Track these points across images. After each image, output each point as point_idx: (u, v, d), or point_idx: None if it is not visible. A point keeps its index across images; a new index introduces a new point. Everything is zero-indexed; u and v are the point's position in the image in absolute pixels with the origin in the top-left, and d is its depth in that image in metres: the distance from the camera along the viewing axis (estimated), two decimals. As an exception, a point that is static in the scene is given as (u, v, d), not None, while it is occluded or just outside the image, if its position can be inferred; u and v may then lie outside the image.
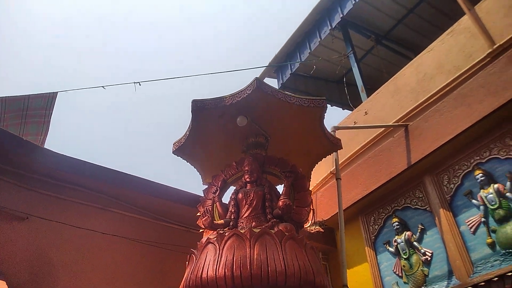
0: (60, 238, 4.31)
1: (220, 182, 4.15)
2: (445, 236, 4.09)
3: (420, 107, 4.81)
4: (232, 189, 4.20)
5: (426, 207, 4.42)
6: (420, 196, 4.53)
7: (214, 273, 3.01)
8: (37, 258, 4.09)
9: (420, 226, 4.39)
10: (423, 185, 4.53)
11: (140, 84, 6.41)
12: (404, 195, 4.71)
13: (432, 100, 4.70)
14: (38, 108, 5.92)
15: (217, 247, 3.19)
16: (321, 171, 5.74)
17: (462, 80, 4.41)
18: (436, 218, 4.25)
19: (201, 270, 3.10)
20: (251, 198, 3.81)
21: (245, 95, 3.87)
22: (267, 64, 8.30)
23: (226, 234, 3.27)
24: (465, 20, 4.69)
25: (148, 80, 6.60)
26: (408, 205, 4.61)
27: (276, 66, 8.25)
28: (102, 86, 6.36)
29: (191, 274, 3.18)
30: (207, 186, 4.30)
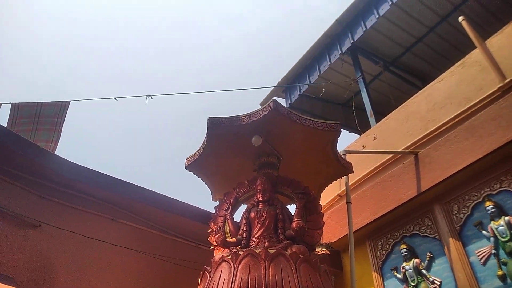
0: (71, 247, 4.31)
1: (232, 200, 4.18)
2: (454, 265, 4.10)
3: (430, 136, 4.88)
4: (243, 207, 4.22)
5: (435, 235, 4.44)
6: (429, 224, 4.55)
7: (230, 292, 3.01)
8: (47, 265, 4.08)
9: (428, 254, 4.40)
10: (432, 213, 4.56)
11: (152, 98, 6.51)
12: (413, 222, 4.73)
13: (442, 129, 4.77)
14: (50, 115, 5.98)
15: (232, 266, 3.19)
16: (328, 193, 5.76)
17: (473, 111, 4.49)
18: (445, 247, 4.27)
19: (215, 289, 3.10)
20: (264, 217, 3.83)
21: (261, 116, 3.93)
22: (275, 84, 8.43)
23: (241, 253, 3.28)
24: (476, 54, 4.80)
25: (159, 94, 6.71)
26: (417, 232, 4.63)
27: (285, 87, 8.37)
28: (115, 98, 6.44)
29: (205, 292, 3.17)
30: (218, 203, 4.32)
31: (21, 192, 4.21)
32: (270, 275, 3.06)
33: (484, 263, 3.89)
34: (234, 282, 3.06)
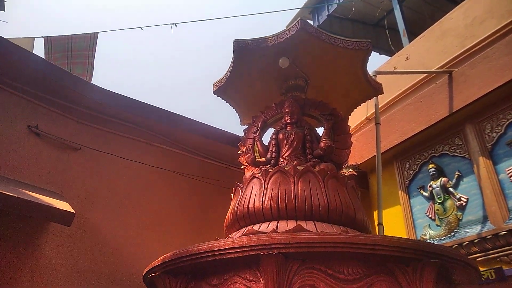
0: (110, 169, 4.61)
1: (260, 123, 4.24)
2: (482, 183, 4.13)
3: (467, 53, 4.64)
4: (271, 130, 4.29)
5: (465, 154, 4.42)
6: (459, 143, 4.52)
7: (261, 204, 3.19)
8: (89, 185, 4.41)
9: (457, 172, 4.43)
10: (463, 133, 4.50)
11: (176, 26, 6.42)
12: (443, 142, 4.70)
13: (480, 45, 4.51)
14: (81, 49, 6.10)
15: (263, 181, 3.34)
16: (356, 116, 5.74)
17: (515, 25, 4.19)
18: (475, 166, 4.27)
19: (247, 201, 3.28)
20: (292, 138, 3.90)
21: (288, 36, 3.82)
22: (302, 5, 8.03)
23: (271, 170, 3.40)
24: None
25: (184, 21, 6.59)
26: (446, 152, 4.62)
27: (313, 7, 7.97)
28: (140, 27, 6.41)
29: (238, 204, 3.37)
30: (247, 127, 4.40)
31: (61, 118, 4.44)
32: (299, 189, 3.19)
33: (514, 180, 3.90)
34: (265, 196, 3.23)
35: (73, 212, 3.58)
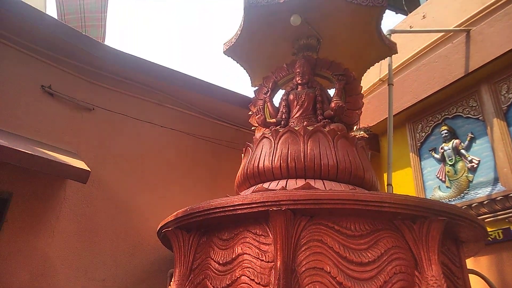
0: (122, 129, 4.69)
1: (271, 84, 4.22)
2: (495, 145, 4.09)
3: (487, 11, 4.45)
4: (281, 92, 4.26)
5: (478, 116, 4.35)
6: (474, 105, 4.43)
7: (271, 163, 3.23)
8: (103, 144, 4.51)
9: (470, 134, 4.38)
10: (478, 94, 4.41)
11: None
12: (457, 103, 4.62)
13: (500, 2, 4.32)
14: (94, 11, 6.03)
15: (272, 141, 3.37)
16: (369, 78, 5.65)
17: (540, -21, 3.98)
18: (488, 128, 4.21)
19: (257, 161, 3.33)
20: (303, 99, 3.88)
21: (300, -8, 3.71)
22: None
23: (281, 130, 3.42)
24: None
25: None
26: (460, 114, 4.55)
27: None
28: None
29: (248, 163, 3.42)
30: (257, 88, 4.38)
31: (73, 78, 4.48)
32: (308, 149, 3.21)
33: (528, 142, 3.84)
34: (275, 155, 3.26)
35: (88, 170, 3.69)
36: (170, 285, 2.92)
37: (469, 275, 3.14)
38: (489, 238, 3.84)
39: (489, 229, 3.87)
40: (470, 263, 3.73)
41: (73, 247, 3.98)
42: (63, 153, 3.92)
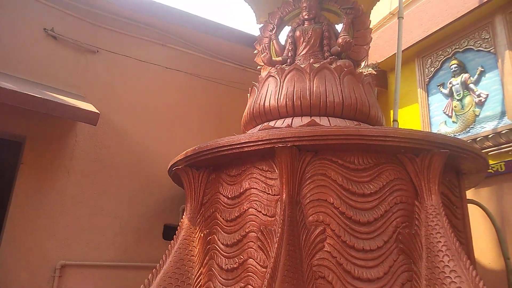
0: (127, 71, 4.68)
1: (276, 20, 4.10)
2: (505, 78, 4.02)
3: None
4: (288, 29, 4.15)
5: (490, 48, 4.23)
6: (486, 37, 4.29)
7: (276, 102, 3.26)
8: (109, 87, 4.54)
9: (479, 68, 4.29)
10: (492, 26, 4.25)
11: None
12: (468, 36, 4.48)
13: None
14: None
15: (278, 80, 3.36)
16: (379, 12, 5.44)
17: None
18: (499, 60, 4.11)
19: (263, 100, 3.35)
20: (309, 35, 3.79)
21: None
22: None
23: (287, 68, 3.40)
24: None
25: None
26: (471, 47, 4.42)
27: None
28: None
29: (254, 103, 3.45)
30: (263, 25, 4.27)
31: (76, 20, 4.40)
32: (314, 87, 3.21)
33: (539, 74, 3.77)
34: (280, 94, 3.28)
35: (97, 112, 3.76)
36: (182, 218, 3.10)
37: (469, 205, 3.27)
38: (491, 171, 3.92)
39: (492, 162, 3.95)
40: (471, 194, 3.86)
41: (88, 187, 4.17)
42: (71, 97, 3.98)
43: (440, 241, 2.33)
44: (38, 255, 3.77)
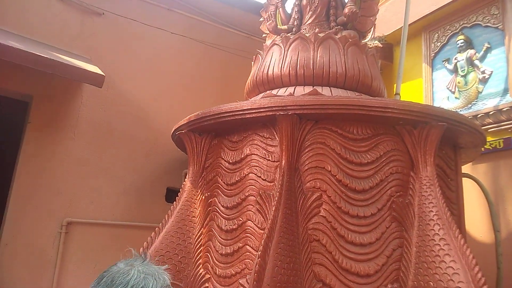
0: (132, 35, 4.66)
1: (283, -12, 4.05)
2: (510, 55, 4.00)
3: None
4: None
5: (498, 25, 4.18)
6: (496, 13, 4.24)
7: (280, 70, 3.28)
8: (116, 50, 4.54)
9: (486, 44, 4.25)
10: (502, 1, 4.18)
11: None
12: (477, 11, 4.41)
13: None
14: None
15: (282, 48, 3.37)
16: (389, -17, 5.34)
17: None
18: (507, 37, 4.08)
19: (267, 68, 3.38)
20: (316, 4, 3.76)
21: None
22: None
23: (291, 37, 3.40)
24: None
25: None
26: (479, 22, 4.37)
27: None
28: None
29: (257, 71, 3.48)
30: (269, -8, 4.22)
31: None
32: (318, 56, 3.23)
33: (544, 53, 3.75)
34: (284, 62, 3.30)
35: (103, 75, 3.80)
36: (184, 182, 3.20)
37: (465, 180, 3.35)
38: (490, 147, 3.97)
39: (491, 139, 4.00)
40: (468, 169, 3.93)
41: (93, 148, 4.26)
42: (77, 59, 4.00)
43: (432, 211, 2.42)
44: (45, 213, 3.92)
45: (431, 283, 2.21)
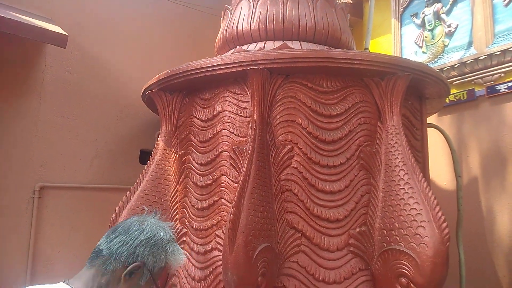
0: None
1: None
2: (475, 8, 4.08)
3: None
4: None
5: (465, -23, 4.23)
6: (462, -35, 4.27)
7: (249, 26, 3.25)
8: (79, 11, 4.34)
9: (452, -2, 4.32)
10: (468, -47, 4.21)
11: None
12: (445, -36, 4.44)
13: None
14: None
15: (251, 3, 3.32)
16: None
17: None
18: (472, -11, 4.15)
19: (236, 24, 3.33)
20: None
21: None
22: None
23: (260, -10, 3.34)
24: None
25: None
26: (446, -25, 4.41)
27: None
28: None
29: (227, 27, 3.43)
30: None
31: None
32: (287, 10, 3.20)
33: (507, 4, 3.84)
34: (253, 17, 3.26)
35: (66, 34, 3.64)
36: (157, 142, 3.20)
37: (431, 131, 3.50)
38: (454, 99, 4.13)
39: (455, 91, 4.15)
40: (434, 120, 4.10)
41: (62, 111, 4.14)
42: (37, 19, 3.80)
43: (397, 158, 2.54)
44: (16, 179, 3.84)
45: (396, 224, 2.36)
